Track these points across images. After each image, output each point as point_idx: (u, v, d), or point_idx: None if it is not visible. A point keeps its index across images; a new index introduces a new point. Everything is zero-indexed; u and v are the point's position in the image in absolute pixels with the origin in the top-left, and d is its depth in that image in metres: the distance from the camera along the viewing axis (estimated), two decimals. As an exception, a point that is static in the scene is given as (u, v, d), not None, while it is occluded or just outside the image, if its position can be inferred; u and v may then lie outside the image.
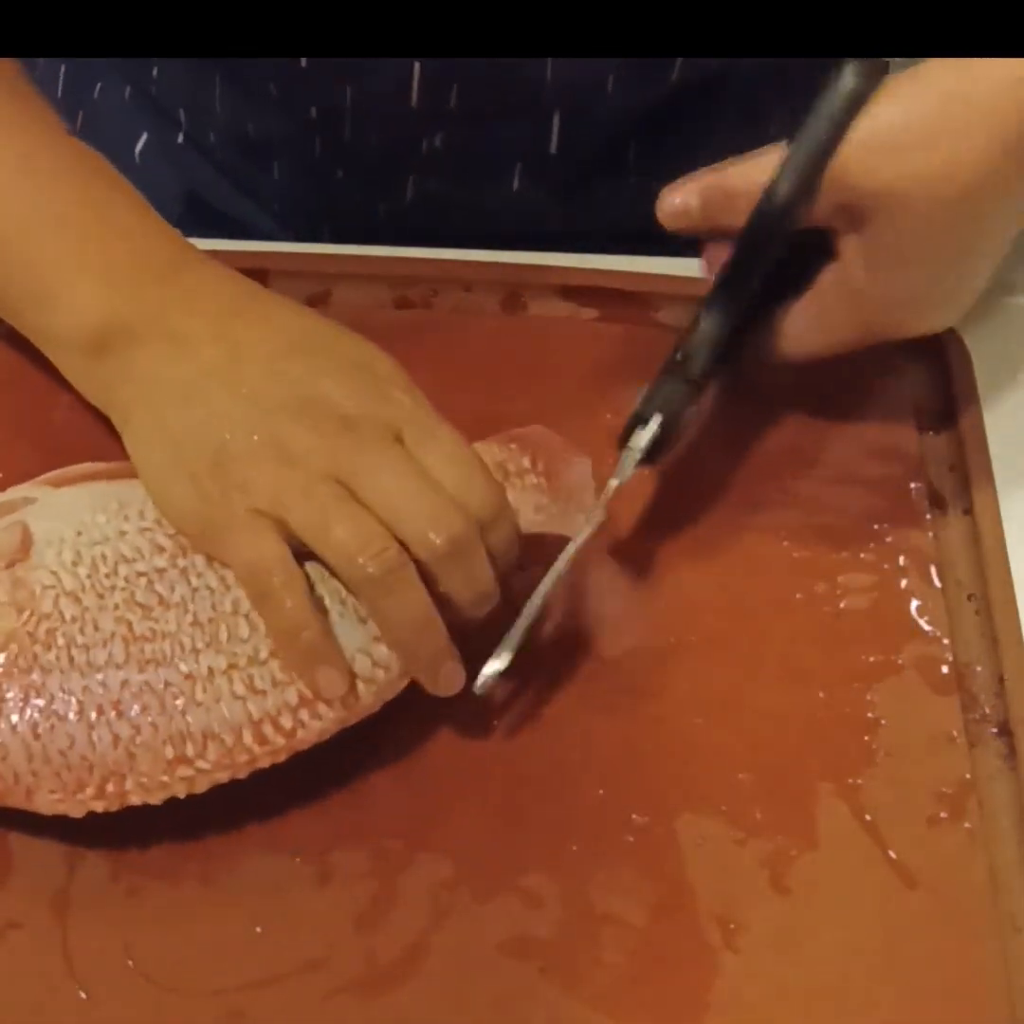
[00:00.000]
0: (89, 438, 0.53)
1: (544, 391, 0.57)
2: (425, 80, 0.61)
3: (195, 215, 0.72)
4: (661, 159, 0.66)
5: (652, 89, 0.63)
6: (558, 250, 0.62)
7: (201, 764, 0.44)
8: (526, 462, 0.50)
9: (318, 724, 0.45)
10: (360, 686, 0.45)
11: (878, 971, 0.44)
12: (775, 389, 0.58)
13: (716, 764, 0.48)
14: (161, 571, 0.46)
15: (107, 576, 0.45)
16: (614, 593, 0.52)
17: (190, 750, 0.44)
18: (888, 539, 0.54)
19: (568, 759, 0.48)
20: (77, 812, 0.44)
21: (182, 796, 0.44)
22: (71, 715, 0.43)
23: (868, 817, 0.47)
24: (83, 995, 0.43)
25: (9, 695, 0.44)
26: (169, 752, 0.44)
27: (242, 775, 0.45)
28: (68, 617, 0.44)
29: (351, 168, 0.67)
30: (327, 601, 0.45)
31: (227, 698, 0.44)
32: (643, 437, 0.50)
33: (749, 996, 0.44)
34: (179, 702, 0.44)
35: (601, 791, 0.48)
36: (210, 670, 0.44)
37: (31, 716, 0.43)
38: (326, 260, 0.61)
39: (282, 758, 0.45)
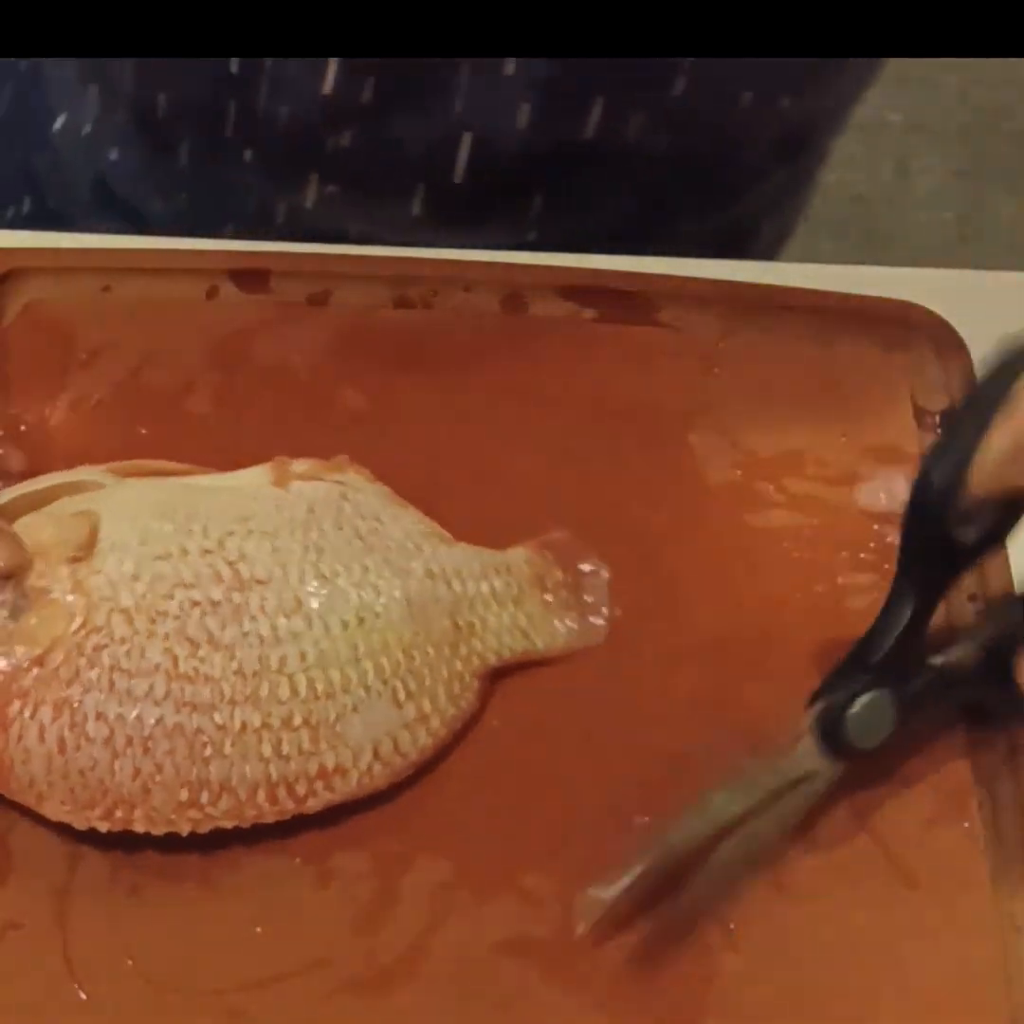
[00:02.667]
0: (88, 440, 0.53)
1: (543, 391, 0.57)
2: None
3: (100, 202, 0.72)
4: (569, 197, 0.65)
5: (567, 127, 0.62)
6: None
7: (211, 811, 0.44)
8: (560, 575, 0.51)
9: (328, 796, 0.45)
10: (376, 768, 0.46)
11: (878, 971, 0.44)
12: (774, 389, 0.58)
13: (716, 764, 0.48)
14: (215, 604, 0.45)
15: (163, 598, 0.45)
16: (614, 595, 0.52)
17: (204, 797, 0.44)
18: (888, 539, 0.53)
19: (568, 759, 0.48)
20: (81, 825, 0.44)
21: (183, 834, 0.44)
22: (99, 740, 0.43)
23: (868, 817, 0.47)
24: (83, 995, 0.43)
25: (44, 704, 0.44)
26: (184, 795, 0.44)
27: (246, 826, 0.45)
28: (117, 637, 0.44)
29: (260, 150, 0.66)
30: (371, 676, 0.46)
31: (253, 757, 0.44)
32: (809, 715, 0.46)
33: (749, 996, 0.44)
34: (206, 751, 0.44)
35: (601, 791, 0.48)
36: (243, 725, 0.44)
37: (61, 731, 0.43)
38: (326, 260, 0.61)
39: (286, 817, 0.45)
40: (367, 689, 0.45)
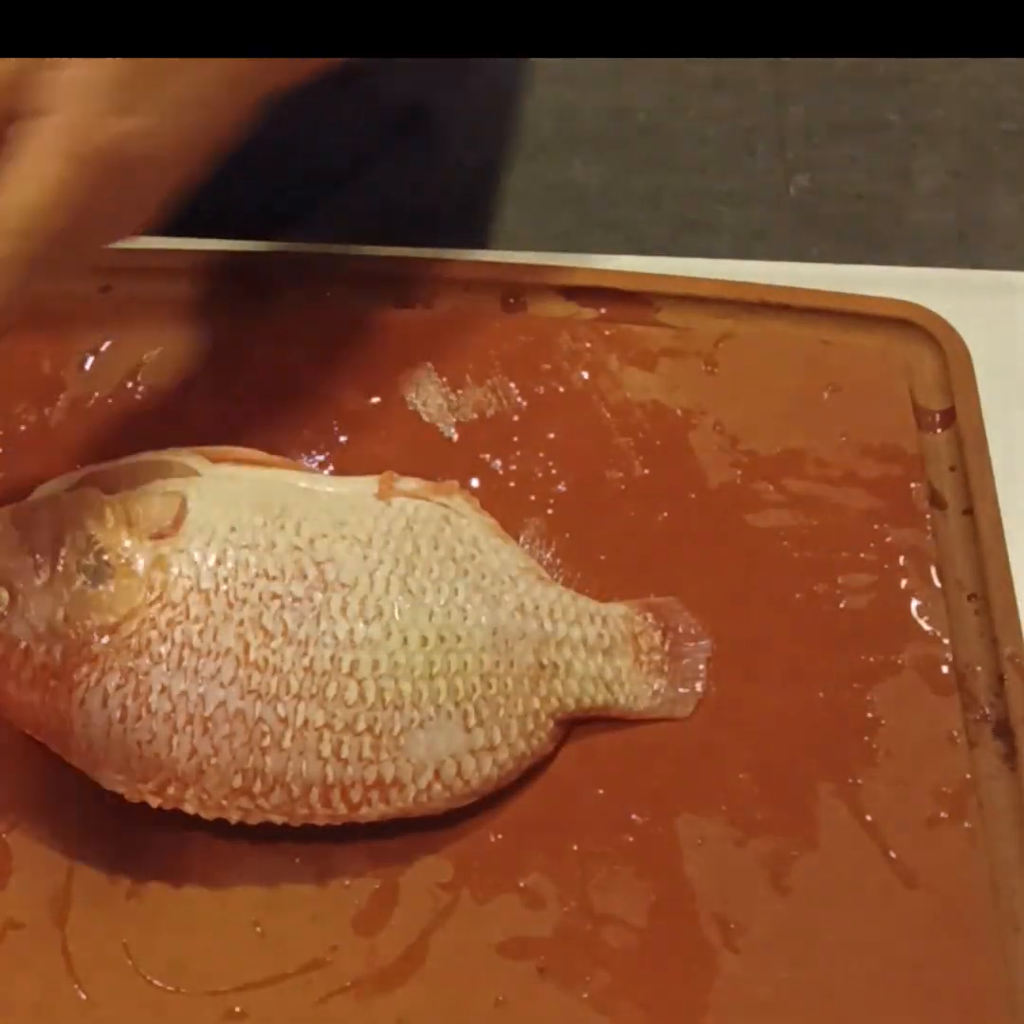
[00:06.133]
0: (88, 439, 0.53)
1: (544, 391, 0.57)
2: None
3: None
4: None
5: None
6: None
7: (262, 803, 0.44)
8: (657, 638, 0.50)
9: (382, 808, 0.45)
10: (436, 788, 0.45)
11: (878, 971, 0.44)
12: (774, 389, 0.58)
13: (716, 764, 0.48)
14: (296, 600, 0.45)
15: (243, 585, 0.45)
16: (613, 593, 0.52)
17: (257, 787, 0.44)
18: (888, 539, 0.53)
19: (568, 759, 0.48)
20: (133, 797, 0.45)
21: (232, 822, 0.45)
22: (161, 715, 0.44)
23: (868, 817, 0.47)
24: (83, 995, 0.43)
25: (112, 671, 0.44)
26: (237, 781, 0.44)
27: (295, 824, 0.45)
28: (192, 616, 0.44)
29: None
30: (443, 696, 0.45)
31: (310, 755, 0.44)
32: None
33: (749, 996, 0.44)
34: (265, 741, 0.44)
35: (601, 791, 0.48)
36: (306, 722, 0.44)
37: (124, 700, 0.44)
38: (326, 260, 0.61)
39: (337, 823, 0.45)
40: (437, 708, 0.45)
